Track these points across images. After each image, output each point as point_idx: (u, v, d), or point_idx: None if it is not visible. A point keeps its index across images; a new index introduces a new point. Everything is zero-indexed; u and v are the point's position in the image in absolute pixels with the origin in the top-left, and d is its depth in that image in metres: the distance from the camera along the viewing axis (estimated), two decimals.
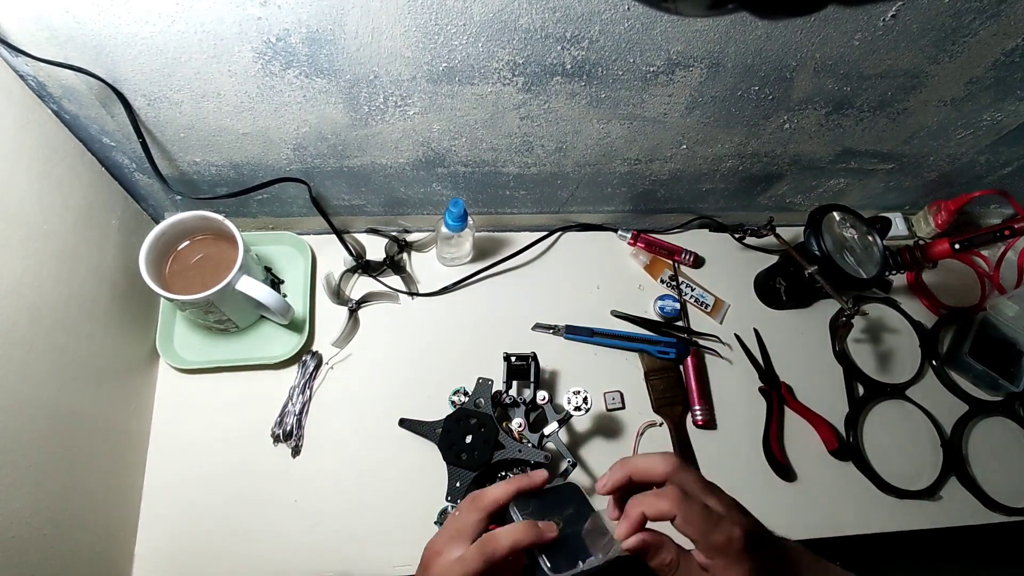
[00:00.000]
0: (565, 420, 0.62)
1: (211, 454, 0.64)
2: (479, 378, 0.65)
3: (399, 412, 0.68)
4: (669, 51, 0.53)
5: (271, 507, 0.63)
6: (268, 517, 0.63)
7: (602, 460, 0.69)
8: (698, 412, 0.72)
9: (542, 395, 0.65)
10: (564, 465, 0.62)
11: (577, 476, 0.68)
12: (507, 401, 0.66)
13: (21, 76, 0.50)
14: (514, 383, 0.69)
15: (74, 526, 0.52)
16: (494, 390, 0.65)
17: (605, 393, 0.72)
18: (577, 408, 0.60)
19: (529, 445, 0.62)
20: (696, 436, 0.72)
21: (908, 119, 0.66)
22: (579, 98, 0.58)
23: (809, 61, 0.56)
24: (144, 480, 0.63)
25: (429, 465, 0.65)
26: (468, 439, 0.61)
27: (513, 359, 0.68)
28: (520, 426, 0.63)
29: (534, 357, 0.68)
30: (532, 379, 0.67)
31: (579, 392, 0.60)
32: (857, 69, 0.57)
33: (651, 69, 0.55)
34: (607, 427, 0.71)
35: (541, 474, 0.47)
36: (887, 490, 0.72)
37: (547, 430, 0.62)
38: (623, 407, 0.72)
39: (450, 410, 0.65)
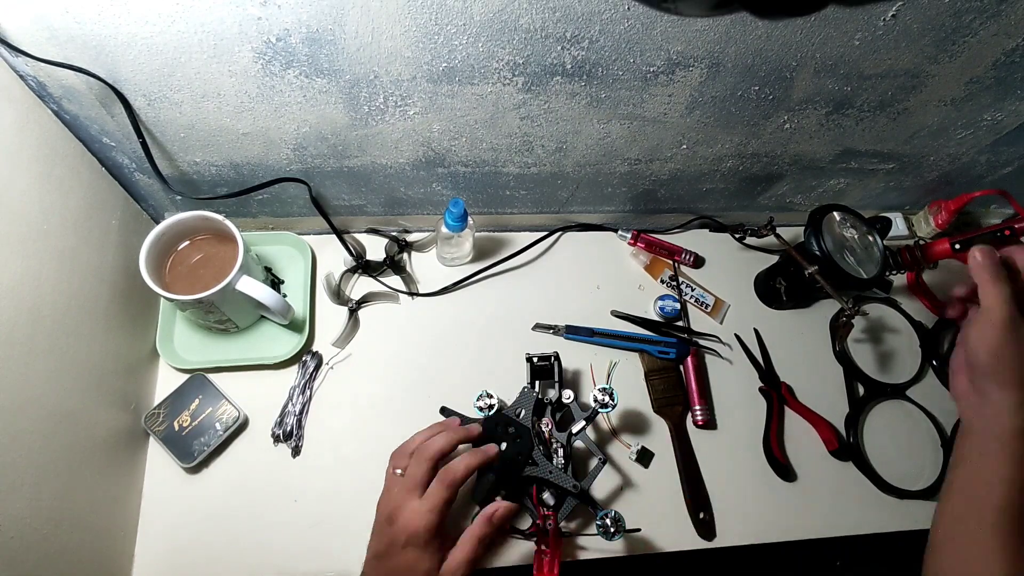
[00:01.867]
0: (592, 417, 0.62)
1: (211, 454, 0.64)
2: (524, 387, 0.65)
3: (399, 412, 0.68)
4: (669, 51, 0.53)
5: (271, 507, 0.63)
6: (268, 517, 0.63)
7: (629, 456, 0.69)
8: (698, 412, 0.72)
9: (567, 394, 0.65)
10: (594, 462, 0.62)
11: (607, 472, 0.68)
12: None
13: (21, 76, 0.50)
14: (537, 383, 0.68)
15: (74, 527, 0.52)
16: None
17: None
18: (604, 405, 0.60)
19: (560, 455, 0.61)
20: (696, 436, 0.72)
21: (908, 119, 0.66)
22: (579, 98, 0.58)
23: (809, 61, 0.56)
24: (144, 480, 0.63)
25: None
26: (503, 446, 0.61)
27: (535, 360, 0.68)
28: (547, 426, 0.63)
29: (556, 357, 0.68)
30: (556, 379, 0.67)
31: (605, 389, 0.61)
32: (857, 69, 0.57)
33: (651, 69, 0.55)
34: (634, 423, 0.72)
35: (475, 427, 0.59)
36: (887, 490, 0.71)
37: (575, 428, 0.62)
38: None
39: (477, 415, 0.64)
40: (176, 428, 0.63)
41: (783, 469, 0.71)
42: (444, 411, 0.66)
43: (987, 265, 0.50)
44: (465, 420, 0.65)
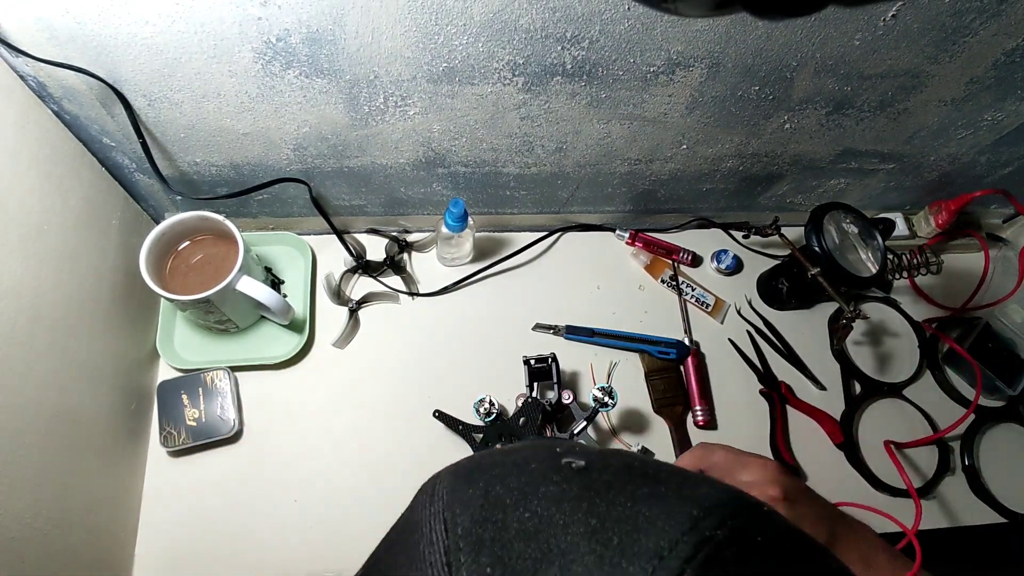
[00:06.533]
0: (593, 416, 0.63)
1: (211, 454, 0.64)
2: (528, 398, 0.65)
3: (399, 412, 0.68)
4: (669, 51, 0.53)
5: (271, 507, 0.63)
6: (268, 517, 0.63)
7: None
8: (699, 412, 0.72)
9: (567, 395, 0.65)
10: None
11: None
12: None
13: (21, 76, 0.50)
14: (535, 385, 0.68)
15: (74, 526, 0.52)
16: (516, 395, 0.64)
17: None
18: (604, 404, 0.60)
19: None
20: (697, 436, 0.72)
21: (908, 119, 0.66)
22: (579, 98, 0.58)
23: (809, 61, 0.56)
24: (144, 480, 0.63)
25: (429, 465, 0.65)
26: None
27: (533, 362, 0.68)
28: (550, 429, 0.63)
29: (554, 358, 0.68)
30: (555, 380, 0.67)
31: (604, 387, 0.61)
32: (857, 69, 0.57)
33: (651, 69, 0.55)
34: (634, 423, 0.72)
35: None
36: (884, 489, 0.71)
37: (576, 428, 0.63)
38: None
39: (476, 419, 0.64)
40: (194, 424, 0.63)
41: (792, 470, 0.71)
42: (439, 415, 0.66)
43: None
44: (464, 425, 0.65)
